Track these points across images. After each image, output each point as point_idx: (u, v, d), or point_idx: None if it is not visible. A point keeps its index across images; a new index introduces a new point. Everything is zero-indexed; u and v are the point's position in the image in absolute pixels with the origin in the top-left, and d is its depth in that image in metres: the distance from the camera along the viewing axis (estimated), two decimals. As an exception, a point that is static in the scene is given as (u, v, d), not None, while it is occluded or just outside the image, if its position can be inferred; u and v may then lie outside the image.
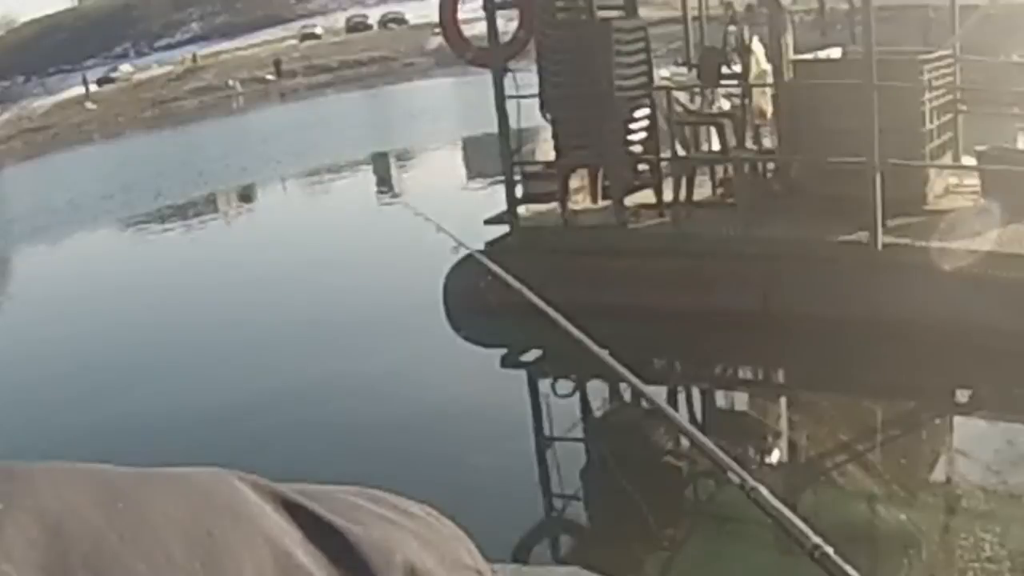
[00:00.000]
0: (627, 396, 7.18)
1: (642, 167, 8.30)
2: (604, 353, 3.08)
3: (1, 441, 7.34)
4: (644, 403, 6.68)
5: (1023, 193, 6.81)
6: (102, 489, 0.36)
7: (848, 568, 1.56)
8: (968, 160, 7.81)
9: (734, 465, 2.16)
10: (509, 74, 8.30)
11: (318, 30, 62.88)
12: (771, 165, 8.30)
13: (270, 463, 6.27)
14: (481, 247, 8.40)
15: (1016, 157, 7.29)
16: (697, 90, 8.75)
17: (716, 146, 8.39)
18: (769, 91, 8.14)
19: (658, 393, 3.78)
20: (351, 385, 7.71)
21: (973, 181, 7.66)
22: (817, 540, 1.69)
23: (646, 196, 8.26)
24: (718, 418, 6.72)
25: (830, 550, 1.67)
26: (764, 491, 1.96)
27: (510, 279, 3.55)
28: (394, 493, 0.44)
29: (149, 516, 0.35)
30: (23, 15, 78.00)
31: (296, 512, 0.39)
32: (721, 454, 2.27)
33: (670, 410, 3.16)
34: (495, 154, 8.66)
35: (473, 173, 17.79)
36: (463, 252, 8.38)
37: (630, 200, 8.18)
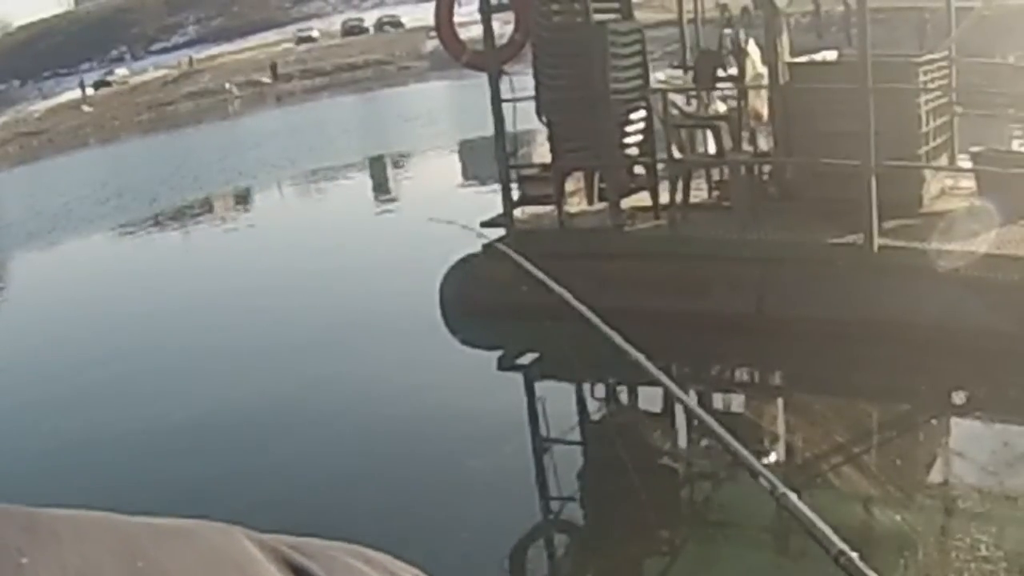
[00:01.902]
0: (624, 398, 7.18)
1: (638, 170, 8.30)
2: (641, 357, 3.09)
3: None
4: (644, 403, 6.68)
5: (1018, 195, 6.82)
6: (120, 544, 0.36)
7: (871, 574, 1.56)
8: (964, 162, 7.81)
9: (765, 471, 2.16)
10: (505, 77, 8.29)
11: (314, 33, 62.87)
12: (767, 168, 8.30)
13: (268, 466, 6.25)
14: (479, 249, 8.41)
15: (1011, 159, 7.30)
16: (693, 93, 8.75)
17: (712, 149, 8.39)
18: (765, 94, 8.14)
19: (691, 396, 3.78)
20: (349, 388, 7.70)
21: (969, 183, 7.66)
22: (842, 546, 1.68)
23: (642, 199, 8.26)
24: (713, 420, 6.70)
25: (855, 556, 1.67)
26: (793, 497, 1.96)
27: (544, 276, 3.53)
28: (386, 553, 0.45)
29: None
30: (18, 19, 77.93)
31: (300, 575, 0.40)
32: (753, 459, 2.27)
33: (704, 414, 3.16)
34: (491, 157, 8.65)
35: (469, 176, 17.79)
36: (457, 256, 8.38)
37: (626, 203, 8.18)
